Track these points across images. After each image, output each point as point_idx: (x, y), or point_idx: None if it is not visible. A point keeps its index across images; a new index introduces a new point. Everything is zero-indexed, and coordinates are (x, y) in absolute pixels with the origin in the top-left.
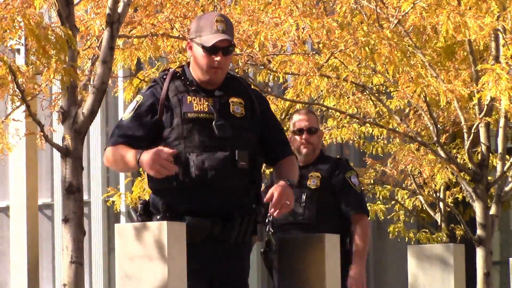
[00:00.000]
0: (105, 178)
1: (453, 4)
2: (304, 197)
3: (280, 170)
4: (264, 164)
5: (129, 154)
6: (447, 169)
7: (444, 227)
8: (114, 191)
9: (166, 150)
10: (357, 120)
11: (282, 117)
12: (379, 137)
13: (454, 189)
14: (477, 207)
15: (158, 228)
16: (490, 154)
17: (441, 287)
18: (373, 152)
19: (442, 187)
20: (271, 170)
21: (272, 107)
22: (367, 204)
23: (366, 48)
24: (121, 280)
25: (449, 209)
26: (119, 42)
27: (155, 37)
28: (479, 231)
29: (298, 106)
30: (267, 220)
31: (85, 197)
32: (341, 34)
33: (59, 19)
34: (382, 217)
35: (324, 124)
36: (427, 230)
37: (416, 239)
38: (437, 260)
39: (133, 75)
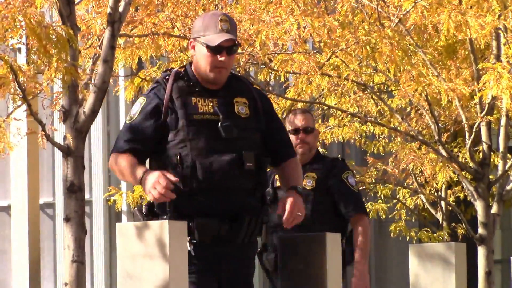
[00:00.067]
0: (106, 177)
1: (454, 3)
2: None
3: (284, 174)
4: None
5: (134, 172)
6: (449, 168)
7: (445, 226)
8: (116, 190)
9: (169, 176)
10: (359, 119)
11: (283, 116)
12: (381, 136)
13: (456, 188)
14: (479, 206)
15: (160, 227)
16: (492, 153)
17: (443, 286)
18: (375, 151)
19: (443, 186)
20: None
21: (273, 106)
22: (369, 203)
23: (367, 47)
24: (123, 279)
25: (450, 208)
26: (120, 41)
27: (156, 36)
28: (480, 230)
29: (299, 105)
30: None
31: (87, 196)
32: (342, 33)
33: (60, 18)
34: (384, 216)
35: (326, 123)
36: (428, 229)
37: (418, 238)
38: (438, 259)
39: (134, 74)
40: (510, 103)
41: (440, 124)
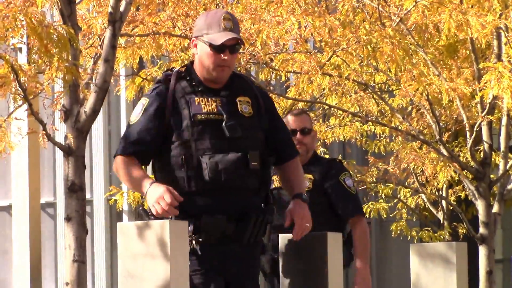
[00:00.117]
0: (107, 177)
1: (455, 2)
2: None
3: (286, 175)
4: None
5: (140, 183)
6: (450, 167)
7: (446, 225)
8: (117, 189)
9: (175, 194)
10: (360, 119)
11: (284, 116)
12: (382, 135)
13: (457, 187)
14: (480, 205)
15: (161, 226)
16: (493, 152)
17: (444, 286)
18: (376, 151)
19: (444, 186)
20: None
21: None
22: (370, 203)
23: (368, 47)
24: (124, 278)
25: (451, 207)
26: (121, 40)
27: (157, 35)
28: (481, 229)
29: (300, 104)
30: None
31: (88, 196)
32: (343, 32)
33: (61, 17)
34: (385, 216)
35: (327, 122)
36: (429, 229)
37: (419, 238)
38: (439, 258)
39: (135, 74)
40: (511, 103)
41: (441, 124)
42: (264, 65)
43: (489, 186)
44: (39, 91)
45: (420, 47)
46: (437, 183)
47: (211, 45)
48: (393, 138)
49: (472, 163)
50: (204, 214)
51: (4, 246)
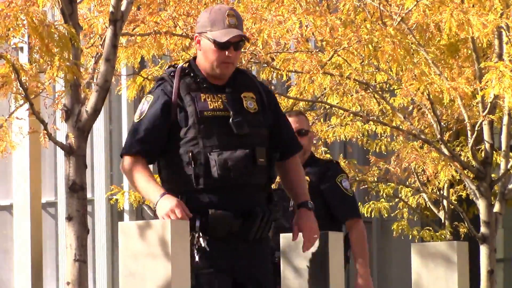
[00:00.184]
0: (108, 176)
1: (456, 1)
2: (292, 201)
3: (287, 175)
4: None
5: (150, 189)
6: (451, 166)
7: (447, 225)
8: (118, 189)
9: (186, 210)
10: (361, 118)
11: None
12: (383, 135)
13: (458, 187)
14: (481, 204)
15: (162, 226)
16: (494, 152)
17: (445, 285)
18: (377, 150)
19: (445, 185)
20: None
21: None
22: (371, 202)
23: (370, 46)
24: (125, 278)
25: (452, 207)
26: (122, 40)
27: (158, 35)
28: (482, 229)
29: (301, 104)
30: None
31: (89, 195)
32: (345, 32)
33: (62, 17)
34: (386, 215)
35: (328, 122)
36: (430, 228)
37: (420, 237)
38: (440, 258)
39: (136, 73)
40: None
41: (442, 123)
42: (265, 65)
43: (490, 186)
44: (40, 91)
45: (421, 46)
46: (438, 183)
47: (215, 42)
48: (394, 137)
49: (473, 163)
50: (211, 210)
51: (5, 246)
